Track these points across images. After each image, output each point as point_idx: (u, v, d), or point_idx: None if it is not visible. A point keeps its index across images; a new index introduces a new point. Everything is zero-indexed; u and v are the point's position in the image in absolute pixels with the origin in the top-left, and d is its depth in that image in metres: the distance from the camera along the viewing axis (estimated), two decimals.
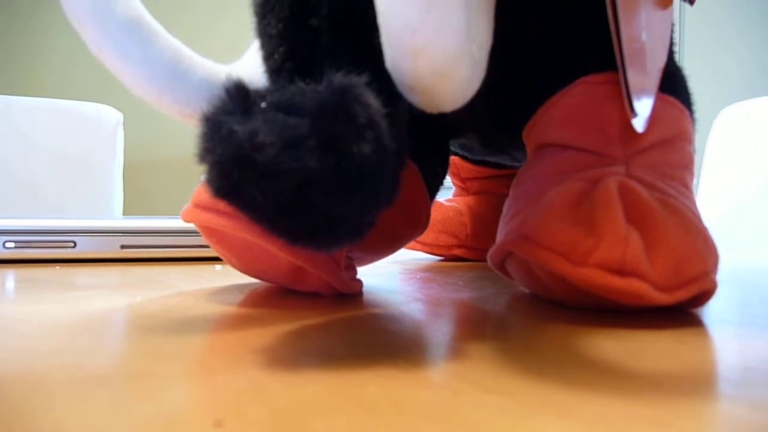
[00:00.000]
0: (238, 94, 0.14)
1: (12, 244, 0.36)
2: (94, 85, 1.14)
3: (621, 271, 0.18)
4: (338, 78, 0.13)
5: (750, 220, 0.88)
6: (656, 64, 0.23)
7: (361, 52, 0.16)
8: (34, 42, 1.37)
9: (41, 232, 0.37)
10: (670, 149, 0.22)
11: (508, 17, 0.19)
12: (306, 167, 0.12)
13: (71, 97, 1.07)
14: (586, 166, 0.21)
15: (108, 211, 1.03)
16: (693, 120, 0.25)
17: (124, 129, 1.06)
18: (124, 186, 1.06)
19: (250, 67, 0.20)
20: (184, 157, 1.21)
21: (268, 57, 0.17)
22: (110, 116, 1.05)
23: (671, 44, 0.26)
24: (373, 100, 0.13)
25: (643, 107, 0.21)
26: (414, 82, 0.15)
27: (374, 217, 0.15)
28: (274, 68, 0.17)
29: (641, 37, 0.21)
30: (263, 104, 0.14)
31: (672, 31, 0.27)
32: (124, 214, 1.07)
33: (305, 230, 0.14)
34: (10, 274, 0.30)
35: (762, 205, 0.87)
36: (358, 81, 0.14)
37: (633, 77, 0.20)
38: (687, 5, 0.30)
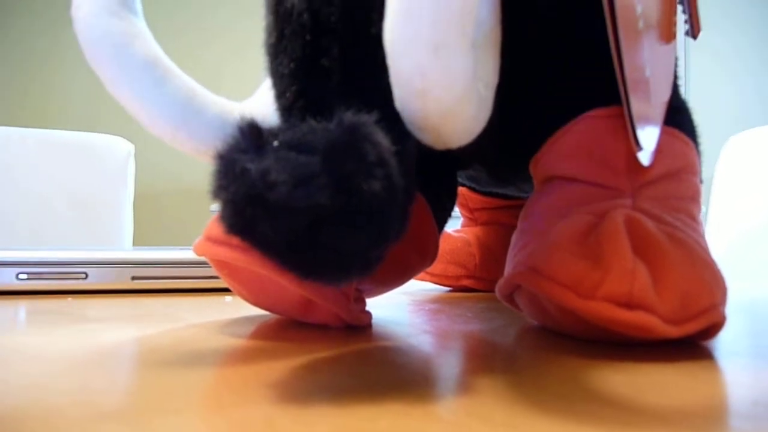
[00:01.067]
0: (251, 132, 0.14)
1: (25, 276, 0.37)
2: (106, 116, 1.16)
3: (629, 305, 0.18)
4: (348, 117, 0.14)
5: (759, 248, 0.88)
6: (660, 98, 0.23)
7: (371, 92, 0.16)
8: (47, 75, 1.40)
9: (53, 263, 0.37)
10: (677, 181, 0.23)
11: (513, 54, 0.20)
12: (317, 205, 0.13)
13: (83, 128, 1.09)
14: (592, 199, 0.21)
15: (118, 241, 1.04)
16: (699, 152, 0.25)
17: (136, 160, 1.08)
18: (134, 216, 1.07)
19: (263, 104, 0.21)
20: (194, 188, 1.22)
21: (280, 96, 0.18)
22: (122, 148, 1.07)
23: (675, 78, 0.26)
24: (382, 139, 0.14)
25: (648, 141, 0.21)
26: (422, 122, 0.15)
27: (383, 252, 0.15)
28: (286, 107, 0.17)
29: (645, 72, 0.21)
30: (276, 142, 0.14)
31: (676, 65, 0.27)
32: (134, 245, 1.07)
33: (316, 265, 0.14)
34: (23, 306, 0.31)
35: None
36: (368, 120, 0.14)
37: (637, 112, 0.21)
38: (690, 38, 0.31)
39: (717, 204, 0.99)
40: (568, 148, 0.23)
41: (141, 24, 0.18)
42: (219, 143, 0.15)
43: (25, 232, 0.98)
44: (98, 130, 1.07)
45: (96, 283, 0.38)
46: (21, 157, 1.01)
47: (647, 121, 0.22)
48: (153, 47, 0.18)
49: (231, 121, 0.19)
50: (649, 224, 0.19)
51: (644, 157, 0.21)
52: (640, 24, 0.20)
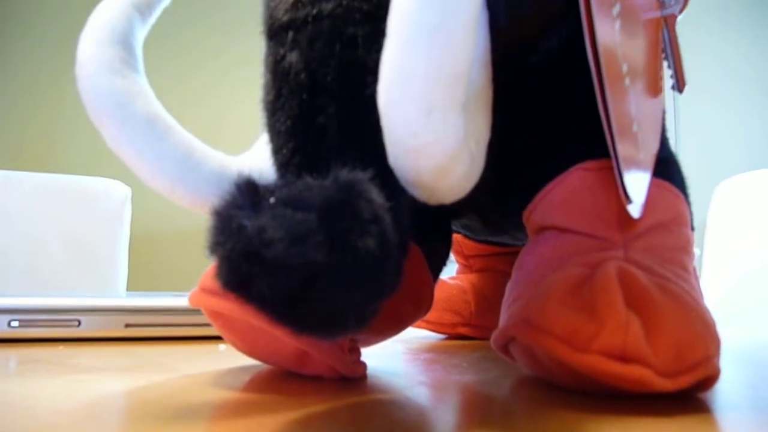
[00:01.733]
0: (248, 189, 0.15)
1: (17, 323, 0.36)
2: (104, 160, 1.17)
3: (623, 358, 0.18)
4: (344, 174, 0.14)
5: (754, 292, 0.88)
6: (649, 150, 0.24)
7: (366, 149, 0.17)
8: (43, 118, 1.42)
9: (46, 310, 0.37)
10: (668, 233, 0.23)
11: (504, 110, 0.20)
12: (312, 262, 0.13)
13: (81, 172, 1.10)
14: (585, 251, 0.22)
15: (113, 285, 1.03)
16: (688, 203, 0.26)
17: (132, 203, 1.08)
18: (130, 260, 1.07)
19: (260, 158, 0.21)
20: (190, 231, 1.22)
21: (277, 151, 0.18)
22: (118, 191, 1.07)
23: (663, 130, 0.27)
24: (377, 196, 0.14)
25: (638, 194, 0.22)
26: (415, 179, 0.15)
27: (378, 307, 0.15)
28: (282, 162, 0.18)
29: (632, 126, 0.22)
30: (272, 199, 0.14)
31: (663, 118, 0.28)
32: (128, 289, 1.07)
33: (311, 321, 0.14)
34: (15, 355, 0.30)
35: (765, 278, 0.87)
36: (363, 177, 0.14)
37: (626, 165, 0.21)
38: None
39: (711, 248, 0.99)
40: (560, 199, 0.23)
41: (143, 81, 0.19)
42: (216, 199, 0.15)
43: (20, 275, 0.97)
44: (96, 174, 1.08)
45: (89, 330, 0.37)
46: (19, 200, 1.02)
47: (636, 174, 0.22)
48: (154, 104, 0.18)
49: (228, 176, 0.19)
50: (641, 276, 0.19)
51: (634, 210, 0.22)
52: (626, 81, 0.21)
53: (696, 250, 0.30)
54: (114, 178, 1.06)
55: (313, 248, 0.13)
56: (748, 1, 1.16)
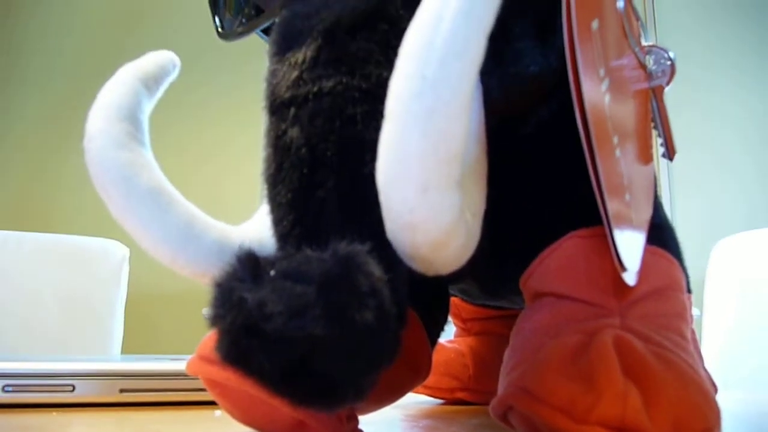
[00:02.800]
0: (248, 261, 0.15)
1: (10, 388, 0.36)
2: (102, 220, 1.17)
3: (622, 428, 0.18)
4: (342, 247, 0.15)
5: (756, 354, 0.87)
6: (642, 215, 0.24)
7: (364, 222, 0.17)
8: (42, 179, 1.43)
9: (40, 375, 0.37)
10: (663, 299, 0.23)
11: (498, 180, 0.21)
12: (311, 336, 0.13)
13: (79, 232, 1.10)
14: (581, 318, 0.22)
15: (108, 346, 1.02)
16: (683, 269, 0.26)
17: (130, 263, 1.08)
18: (126, 320, 1.06)
19: (260, 228, 0.21)
20: (187, 293, 1.22)
21: (277, 223, 0.18)
22: (117, 251, 1.07)
23: (655, 196, 0.28)
24: (375, 269, 0.14)
25: (632, 262, 0.22)
26: (413, 253, 0.16)
27: (376, 378, 0.15)
28: (283, 234, 0.18)
29: (623, 188, 0.22)
30: (272, 272, 0.15)
31: (655, 185, 0.28)
32: (123, 350, 1.05)
33: (309, 394, 0.14)
34: (7, 422, 0.30)
35: (764, 338, 0.86)
36: (361, 250, 0.15)
37: (619, 234, 0.22)
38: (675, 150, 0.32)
39: (710, 308, 0.99)
40: (557, 266, 0.24)
41: (148, 154, 0.20)
42: (217, 269, 0.15)
43: (17, 333, 0.96)
44: (94, 234, 1.08)
45: (83, 395, 0.37)
46: (17, 260, 1.01)
47: (629, 238, 0.23)
48: (158, 177, 0.19)
49: (229, 247, 0.19)
50: (639, 345, 0.20)
51: (629, 277, 0.22)
52: (617, 151, 0.22)
53: (695, 311, 0.30)
54: (113, 239, 1.07)
55: (312, 322, 0.13)
56: (743, 59, 1.20)
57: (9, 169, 1.46)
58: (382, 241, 0.16)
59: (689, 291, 0.29)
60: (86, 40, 1.48)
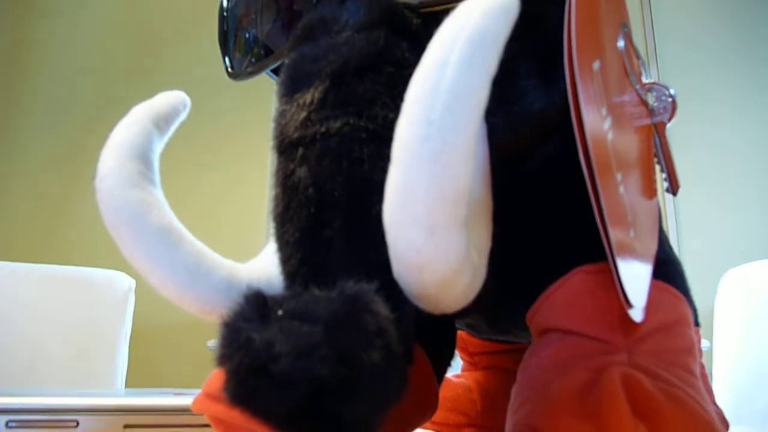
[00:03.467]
0: (256, 301, 0.15)
1: (14, 424, 0.36)
2: (109, 251, 1.18)
3: None
4: (349, 286, 0.15)
5: (766, 386, 0.85)
6: (648, 252, 0.25)
7: (371, 261, 0.17)
8: (50, 210, 1.44)
9: (45, 410, 0.37)
10: (671, 335, 0.23)
11: (504, 217, 0.21)
12: (318, 376, 0.13)
13: (85, 263, 1.10)
14: (588, 354, 0.22)
15: (111, 379, 1.01)
16: (690, 303, 0.26)
17: (136, 295, 1.08)
18: (131, 352, 1.05)
19: (268, 266, 0.22)
20: (193, 326, 1.21)
21: (285, 261, 0.19)
22: (122, 283, 1.07)
23: (660, 231, 0.28)
24: (382, 308, 0.14)
25: (638, 298, 0.22)
26: (420, 292, 0.16)
27: (384, 417, 0.15)
28: (290, 272, 0.18)
29: (629, 231, 0.23)
30: (280, 311, 0.15)
31: (660, 220, 0.29)
32: (129, 382, 1.05)
33: None
34: None
35: None
36: (368, 289, 0.15)
37: (624, 269, 0.22)
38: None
39: (720, 339, 0.98)
40: (563, 302, 0.24)
41: (158, 193, 0.20)
42: (224, 307, 0.15)
43: (21, 364, 0.96)
44: (100, 266, 1.08)
45: (87, 431, 0.37)
46: (24, 292, 1.02)
47: (635, 277, 0.23)
48: (167, 215, 0.19)
49: (237, 285, 0.20)
50: (647, 383, 0.19)
51: (635, 314, 0.22)
52: (621, 189, 0.22)
53: (705, 343, 0.30)
54: (119, 270, 1.07)
55: (319, 362, 0.13)
56: (745, 91, 1.20)
57: (17, 201, 1.47)
58: (389, 280, 0.16)
59: (697, 324, 0.29)
60: (96, 77, 1.50)
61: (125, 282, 1.07)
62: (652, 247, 0.25)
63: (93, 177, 0.19)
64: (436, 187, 0.15)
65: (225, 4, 0.29)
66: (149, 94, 0.23)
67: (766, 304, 0.93)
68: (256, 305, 0.15)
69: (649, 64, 1.18)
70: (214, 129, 1.34)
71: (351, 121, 0.19)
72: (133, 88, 1.39)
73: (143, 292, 1.10)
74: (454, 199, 0.15)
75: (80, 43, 1.55)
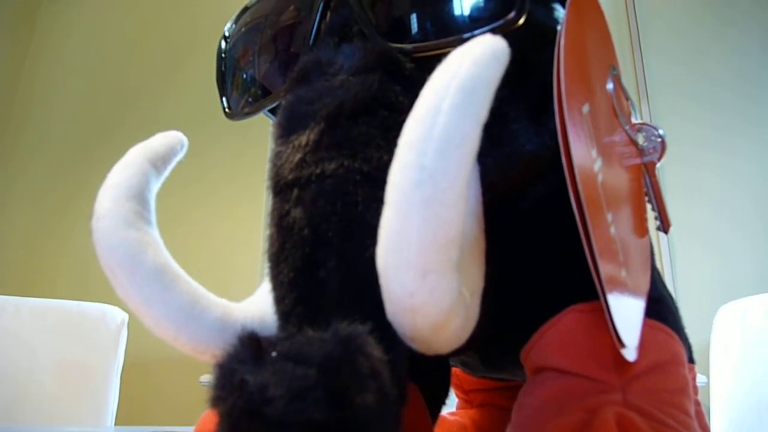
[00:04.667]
0: (250, 342, 0.15)
1: None
2: (102, 285, 1.17)
3: None
4: (343, 327, 0.15)
5: (764, 421, 0.85)
6: (640, 290, 0.25)
7: (365, 302, 0.17)
8: (41, 243, 1.43)
9: None
10: (665, 374, 0.23)
11: (497, 257, 0.21)
12: (312, 420, 0.13)
13: (78, 297, 1.10)
14: (583, 394, 0.22)
15: (102, 414, 0.99)
16: (684, 341, 0.26)
17: (129, 329, 1.07)
18: (122, 386, 1.04)
19: (262, 305, 0.22)
20: (186, 359, 1.20)
21: (279, 301, 0.19)
22: (115, 317, 1.06)
23: (653, 269, 0.28)
24: (375, 350, 0.15)
25: (631, 337, 0.22)
26: (413, 335, 0.16)
27: None
28: (284, 312, 0.18)
29: (621, 271, 0.23)
30: (274, 353, 0.15)
31: (652, 257, 0.29)
32: (118, 419, 1.03)
33: None
34: None
35: None
36: (362, 330, 0.15)
37: (616, 309, 0.22)
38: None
39: (717, 373, 0.97)
40: (557, 341, 0.24)
41: (154, 233, 0.20)
42: (218, 347, 0.15)
43: (10, 400, 0.94)
44: (93, 299, 1.08)
45: None
46: (15, 326, 1.01)
47: (627, 315, 0.23)
48: (163, 255, 0.19)
49: (231, 324, 0.20)
50: (641, 423, 0.19)
51: (629, 353, 0.22)
52: (612, 230, 0.22)
53: (702, 378, 0.30)
54: (112, 304, 1.06)
55: (313, 405, 0.13)
56: (734, 130, 1.22)
57: (8, 233, 1.46)
58: (383, 321, 0.16)
59: (692, 361, 0.29)
60: (87, 113, 1.51)
61: (118, 316, 1.06)
62: (645, 286, 0.25)
63: (85, 209, 0.20)
64: (429, 231, 0.15)
65: (223, 45, 0.29)
66: (140, 131, 0.23)
67: (761, 339, 0.93)
68: (249, 347, 0.15)
69: (639, 106, 1.20)
70: (209, 167, 1.35)
71: (346, 163, 0.19)
72: (125, 123, 1.41)
73: (136, 326, 1.09)
74: (447, 243, 0.15)
75: (72, 76, 1.56)
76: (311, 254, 0.18)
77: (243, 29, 0.29)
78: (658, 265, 0.33)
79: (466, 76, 0.15)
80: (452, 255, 0.15)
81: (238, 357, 0.15)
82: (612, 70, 0.26)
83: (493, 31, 0.21)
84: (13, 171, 1.50)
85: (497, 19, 0.21)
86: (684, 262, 1.17)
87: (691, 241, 1.18)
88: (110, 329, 1.05)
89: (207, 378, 0.18)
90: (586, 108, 0.21)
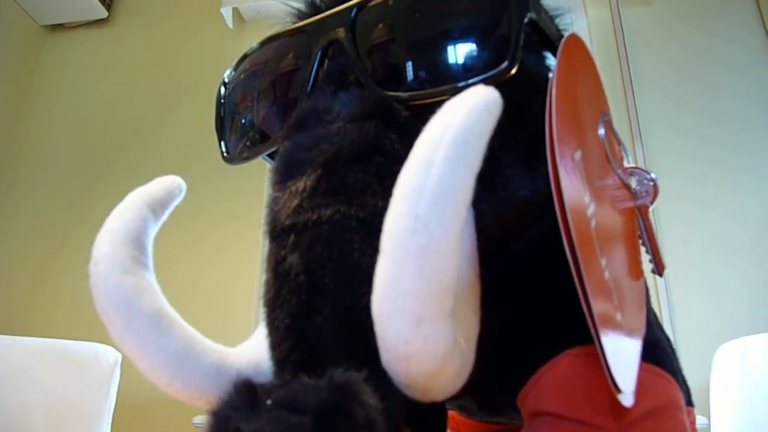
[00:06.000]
0: (245, 390, 0.15)
1: None
2: (95, 325, 1.15)
3: None
4: (338, 375, 0.15)
5: None
6: (635, 334, 0.25)
7: (360, 349, 0.17)
8: (33, 282, 1.42)
9: None
10: (663, 419, 0.23)
11: (491, 301, 0.22)
12: None
13: (70, 336, 1.08)
14: None
15: None
16: (682, 384, 0.26)
17: (122, 369, 1.05)
18: (112, 429, 1.02)
19: (258, 351, 0.22)
20: (177, 401, 1.18)
21: (275, 347, 0.19)
22: (108, 356, 1.05)
23: (648, 312, 0.28)
24: (370, 398, 0.15)
25: (627, 382, 0.22)
26: (408, 382, 0.16)
27: None
28: (280, 358, 0.18)
29: (616, 315, 0.23)
30: (268, 401, 0.15)
31: (648, 300, 0.29)
32: None
33: None
34: None
35: None
36: (357, 378, 0.15)
37: (612, 354, 0.22)
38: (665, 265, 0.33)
39: (717, 414, 0.96)
40: (553, 385, 0.24)
41: (150, 277, 0.20)
42: (213, 393, 0.15)
43: None
44: (86, 339, 1.06)
45: None
46: (6, 365, 0.99)
47: (623, 360, 0.23)
48: (159, 300, 0.19)
49: (226, 370, 0.20)
50: None
51: (625, 398, 0.22)
52: (606, 274, 0.22)
53: (702, 419, 0.30)
54: (105, 343, 1.05)
55: None
56: (728, 169, 1.23)
57: (3, 273, 1.45)
58: (378, 368, 0.16)
59: (690, 404, 0.29)
60: (82, 155, 1.51)
61: (111, 355, 1.05)
62: (640, 329, 0.25)
63: (79, 249, 0.20)
64: (423, 279, 0.15)
65: (223, 91, 0.30)
66: (134, 173, 0.23)
67: (761, 379, 0.92)
68: (244, 394, 0.15)
69: (633, 145, 1.22)
70: (203, 208, 1.35)
71: (342, 209, 0.19)
72: (118, 168, 1.41)
73: (129, 365, 1.07)
74: (441, 291, 0.15)
75: (66, 120, 1.57)
76: (307, 300, 0.18)
77: (242, 76, 0.29)
78: (655, 304, 0.33)
79: (459, 127, 0.16)
80: (446, 303, 0.15)
81: (233, 404, 0.15)
82: (603, 116, 0.26)
83: (487, 80, 0.22)
84: (9, 211, 1.50)
85: (491, 69, 0.22)
86: (681, 301, 1.17)
87: (689, 280, 1.17)
88: (103, 368, 1.04)
89: (200, 419, 0.18)
90: (578, 155, 0.22)
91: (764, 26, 1.33)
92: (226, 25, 1.47)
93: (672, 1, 1.38)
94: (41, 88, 1.61)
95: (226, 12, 1.46)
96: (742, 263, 1.20)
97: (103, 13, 1.57)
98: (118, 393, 1.05)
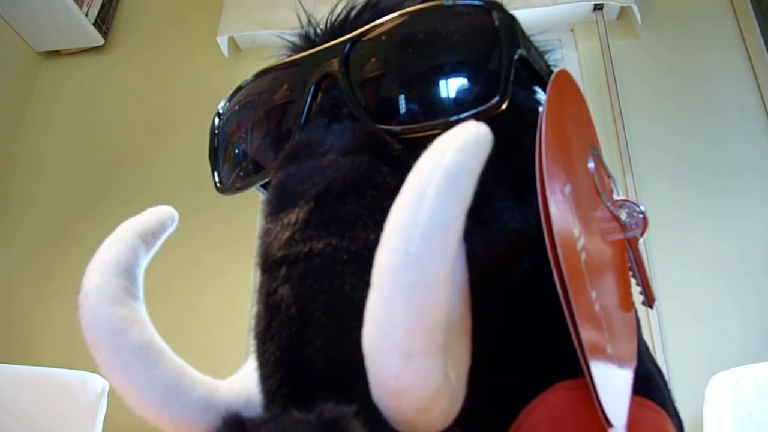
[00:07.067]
0: (234, 425, 0.15)
1: None
2: (82, 353, 1.14)
3: None
4: (328, 409, 0.15)
5: None
6: (626, 367, 0.25)
7: (351, 383, 0.17)
8: (19, 309, 1.40)
9: None
10: None
11: (482, 334, 0.22)
12: None
13: (58, 364, 1.07)
14: None
15: None
16: (673, 419, 0.26)
17: (109, 397, 1.04)
18: None
19: (247, 383, 0.21)
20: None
21: (264, 380, 0.19)
22: (95, 384, 1.04)
23: (639, 344, 0.28)
24: None
25: (618, 416, 0.22)
26: (399, 417, 0.16)
27: None
28: (270, 391, 0.18)
29: (606, 349, 0.23)
30: None
31: (639, 332, 0.29)
32: None
33: None
34: None
35: None
36: (348, 412, 0.15)
37: (603, 387, 0.22)
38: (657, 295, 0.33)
39: None
40: (545, 419, 0.23)
41: (141, 308, 0.20)
42: (202, 427, 0.15)
43: None
44: (73, 367, 1.05)
45: None
46: None
47: (614, 395, 0.23)
48: (148, 332, 0.19)
49: (215, 403, 0.19)
50: None
51: None
52: (596, 307, 0.23)
53: None
54: (92, 372, 1.03)
55: None
56: (719, 196, 1.24)
57: None
58: (368, 402, 0.16)
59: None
60: (73, 183, 1.51)
61: (98, 384, 1.04)
62: (631, 362, 0.25)
63: (68, 278, 0.20)
64: (414, 314, 0.15)
65: (216, 122, 0.30)
66: (125, 202, 0.23)
67: (753, 409, 0.92)
68: (233, 429, 0.15)
69: (624, 176, 1.23)
70: (194, 236, 1.34)
71: (333, 242, 0.19)
72: (109, 196, 1.41)
73: (116, 394, 1.06)
74: (431, 326, 0.15)
75: (59, 148, 1.57)
76: (298, 333, 0.18)
77: (237, 107, 0.29)
78: (647, 335, 0.33)
79: (451, 163, 0.16)
80: (437, 338, 0.15)
81: None
82: (593, 150, 0.27)
83: (478, 115, 0.22)
84: None
85: (482, 104, 0.22)
86: (674, 330, 1.17)
87: (681, 309, 1.17)
88: (90, 397, 1.02)
89: None
90: (567, 189, 0.22)
91: (748, 56, 1.36)
92: (222, 53, 1.49)
93: (660, 34, 1.41)
94: (36, 114, 1.61)
95: (222, 41, 1.47)
96: (735, 291, 1.20)
97: (99, 40, 1.58)
98: (104, 422, 1.03)
